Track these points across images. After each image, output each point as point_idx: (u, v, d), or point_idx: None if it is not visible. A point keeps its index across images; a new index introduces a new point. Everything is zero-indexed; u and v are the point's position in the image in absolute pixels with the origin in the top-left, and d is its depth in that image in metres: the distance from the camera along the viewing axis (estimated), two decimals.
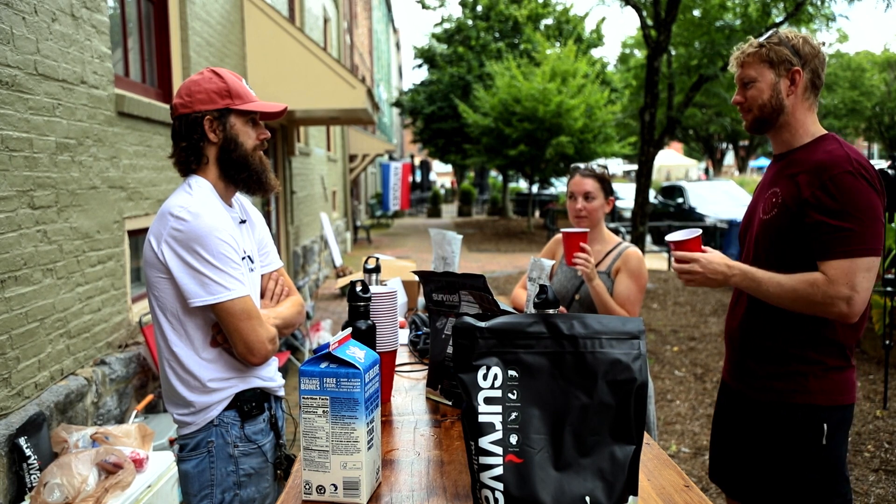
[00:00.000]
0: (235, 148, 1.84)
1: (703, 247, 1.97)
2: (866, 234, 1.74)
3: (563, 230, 2.52)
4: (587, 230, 2.51)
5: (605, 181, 2.67)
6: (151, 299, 1.81)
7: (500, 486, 1.08)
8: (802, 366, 1.88)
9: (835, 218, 1.74)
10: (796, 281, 1.79)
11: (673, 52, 13.08)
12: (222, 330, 1.78)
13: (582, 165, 2.71)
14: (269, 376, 1.94)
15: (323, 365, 1.27)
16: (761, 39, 1.91)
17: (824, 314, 1.79)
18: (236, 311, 1.73)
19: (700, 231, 1.96)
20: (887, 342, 4.96)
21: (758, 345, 1.96)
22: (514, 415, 1.10)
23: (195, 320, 1.79)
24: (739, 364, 2.03)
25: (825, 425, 1.85)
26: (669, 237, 1.98)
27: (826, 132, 1.91)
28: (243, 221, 1.95)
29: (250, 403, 1.86)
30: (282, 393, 2.01)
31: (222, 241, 1.74)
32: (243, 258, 1.85)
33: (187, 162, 1.86)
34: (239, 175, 1.87)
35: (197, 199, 1.78)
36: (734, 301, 2.08)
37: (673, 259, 2.00)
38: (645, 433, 1.36)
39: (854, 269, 1.73)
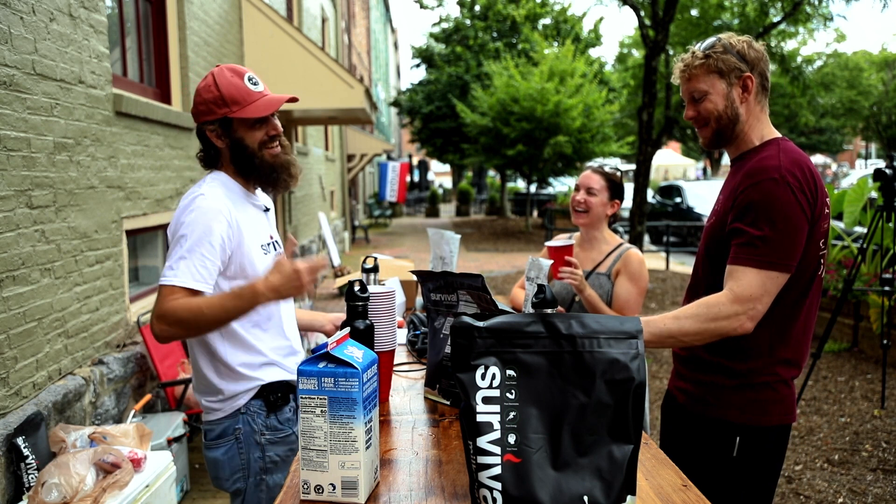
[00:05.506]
0: (242, 150, 1.89)
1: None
2: (780, 245, 1.67)
3: (547, 244, 2.51)
4: (572, 243, 2.49)
5: (612, 181, 2.65)
6: None
7: (498, 485, 1.08)
8: (722, 378, 1.83)
9: (748, 224, 1.69)
10: (696, 306, 1.72)
11: (671, 52, 13.08)
12: None
13: (595, 164, 2.72)
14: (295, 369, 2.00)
15: (321, 364, 1.27)
16: (704, 49, 1.82)
17: (731, 331, 1.70)
18: (164, 292, 1.73)
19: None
20: (885, 342, 4.97)
21: (691, 352, 1.92)
22: (512, 414, 1.10)
23: None
24: (676, 368, 2.02)
25: (738, 439, 1.80)
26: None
27: (774, 137, 1.83)
28: (267, 209, 2.05)
29: (276, 394, 1.94)
30: None
31: (207, 231, 1.77)
32: (268, 243, 1.97)
33: (208, 163, 1.97)
34: (250, 174, 1.94)
35: (204, 189, 1.85)
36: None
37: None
38: (643, 432, 1.36)
39: (762, 280, 1.67)
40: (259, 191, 2.04)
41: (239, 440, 1.92)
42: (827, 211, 1.77)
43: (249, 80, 1.88)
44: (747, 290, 1.68)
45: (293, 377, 1.97)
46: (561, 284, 2.68)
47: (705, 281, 1.88)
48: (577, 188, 2.68)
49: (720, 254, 1.81)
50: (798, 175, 1.69)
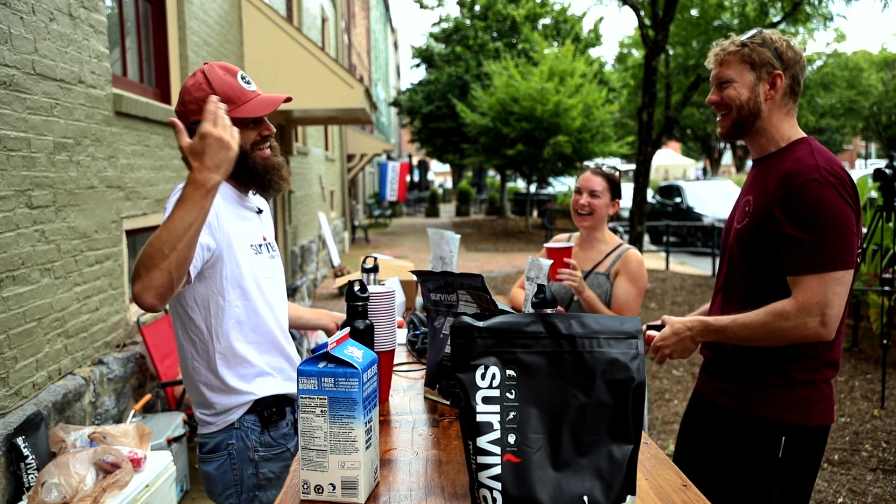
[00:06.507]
0: None
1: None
2: (835, 246, 1.67)
3: (546, 245, 2.51)
4: (571, 245, 2.50)
5: (613, 182, 2.66)
6: (187, 299, 1.80)
7: (498, 485, 1.08)
8: (766, 377, 1.82)
9: (800, 230, 1.68)
10: (763, 314, 1.72)
11: (671, 52, 13.09)
12: None
13: (593, 164, 2.72)
14: (292, 381, 1.93)
15: (321, 364, 1.27)
16: (744, 38, 1.83)
17: (802, 338, 1.70)
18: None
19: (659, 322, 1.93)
20: (885, 342, 4.97)
21: (727, 351, 1.91)
22: (512, 414, 1.10)
23: (228, 317, 1.80)
24: (709, 369, 2.01)
25: (783, 438, 1.79)
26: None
27: (802, 136, 1.82)
28: (260, 211, 2.00)
29: (271, 409, 1.88)
30: None
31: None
32: (260, 244, 1.92)
33: None
34: (242, 176, 1.86)
35: None
36: (710, 308, 2.06)
37: (649, 348, 1.91)
38: (643, 432, 1.36)
39: (824, 284, 1.66)
40: (252, 194, 1.98)
41: (232, 455, 1.87)
42: (860, 210, 1.76)
43: (242, 78, 1.82)
44: (812, 297, 1.67)
45: (288, 391, 1.92)
46: (559, 285, 2.68)
47: (744, 285, 1.85)
48: (579, 191, 2.67)
49: (760, 256, 1.79)
50: (837, 173, 1.69)
